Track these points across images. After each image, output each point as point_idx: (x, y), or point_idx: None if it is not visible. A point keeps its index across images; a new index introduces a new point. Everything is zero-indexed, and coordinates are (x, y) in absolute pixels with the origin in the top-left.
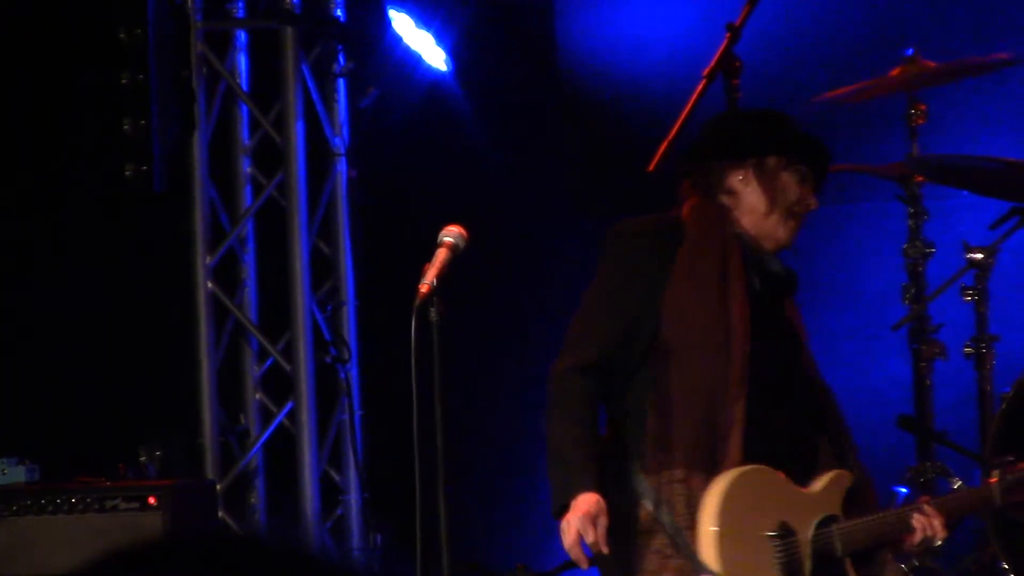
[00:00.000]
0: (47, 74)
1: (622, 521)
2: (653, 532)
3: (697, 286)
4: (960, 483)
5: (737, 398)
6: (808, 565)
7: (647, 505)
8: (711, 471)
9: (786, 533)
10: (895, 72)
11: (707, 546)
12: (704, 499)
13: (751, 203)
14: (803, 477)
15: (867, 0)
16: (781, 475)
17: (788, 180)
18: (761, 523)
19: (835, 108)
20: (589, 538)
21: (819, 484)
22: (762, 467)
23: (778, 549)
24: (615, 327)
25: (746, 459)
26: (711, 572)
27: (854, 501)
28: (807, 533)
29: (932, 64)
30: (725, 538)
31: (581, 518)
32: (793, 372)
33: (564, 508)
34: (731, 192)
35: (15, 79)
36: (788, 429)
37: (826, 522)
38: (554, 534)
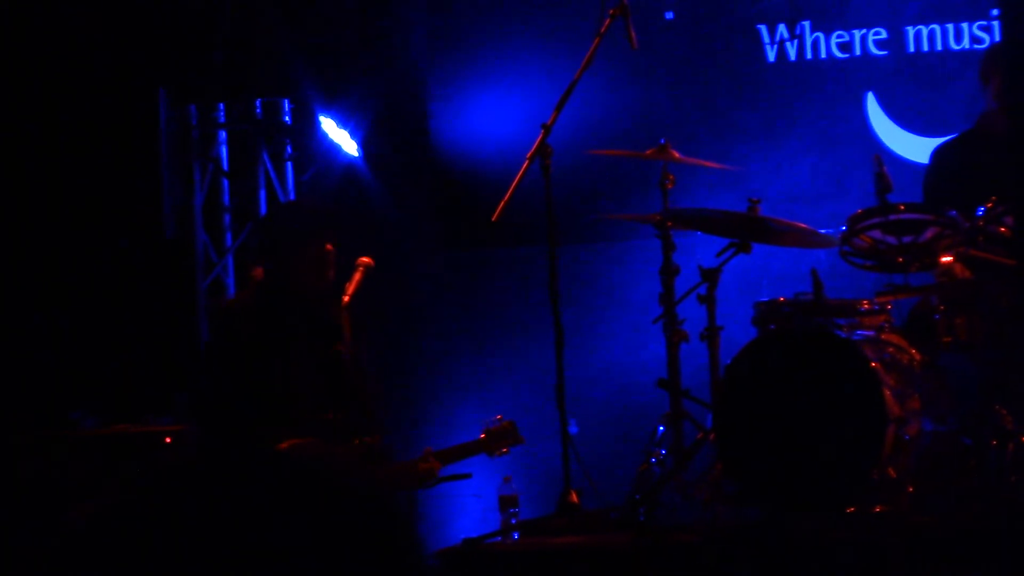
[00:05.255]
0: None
1: None
2: None
3: None
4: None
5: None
6: None
7: None
8: None
9: None
10: (649, 151)
11: None
12: None
13: None
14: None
15: (642, 105)
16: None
17: None
18: None
19: (618, 181)
20: None
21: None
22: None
23: None
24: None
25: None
26: None
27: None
28: None
29: (676, 154)
30: None
31: None
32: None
33: None
34: None
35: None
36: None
37: None
38: None
